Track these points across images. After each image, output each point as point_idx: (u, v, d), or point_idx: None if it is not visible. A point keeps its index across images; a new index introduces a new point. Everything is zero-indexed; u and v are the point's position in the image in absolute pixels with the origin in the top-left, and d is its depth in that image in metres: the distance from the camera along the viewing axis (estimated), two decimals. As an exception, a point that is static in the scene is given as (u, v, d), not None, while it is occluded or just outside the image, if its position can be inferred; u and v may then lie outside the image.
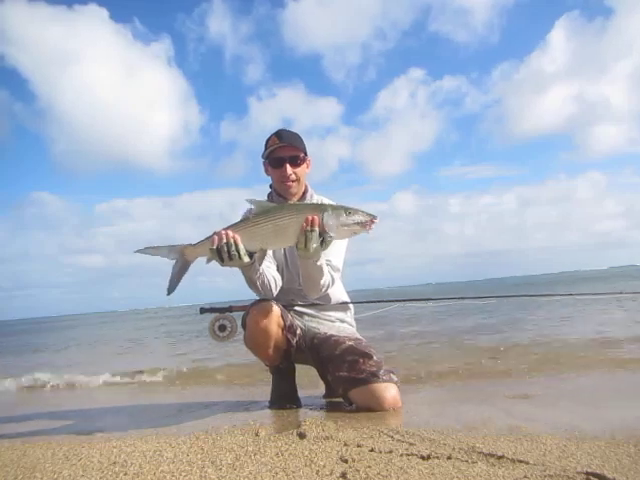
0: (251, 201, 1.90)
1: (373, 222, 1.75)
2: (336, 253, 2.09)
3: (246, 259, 1.76)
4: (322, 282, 1.96)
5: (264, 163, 2.22)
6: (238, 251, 1.73)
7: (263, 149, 2.21)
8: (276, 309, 2.01)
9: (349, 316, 2.34)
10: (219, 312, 2.21)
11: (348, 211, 1.74)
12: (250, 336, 2.05)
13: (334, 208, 1.76)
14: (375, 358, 2.06)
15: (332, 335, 2.18)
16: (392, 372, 2.07)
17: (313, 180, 2.33)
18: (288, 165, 2.12)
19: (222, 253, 1.73)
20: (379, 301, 2.53)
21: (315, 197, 2.24)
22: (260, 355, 2.12)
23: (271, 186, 2.28)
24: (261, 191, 2.29)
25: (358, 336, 2.24)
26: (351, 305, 2.35)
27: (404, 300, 2.62)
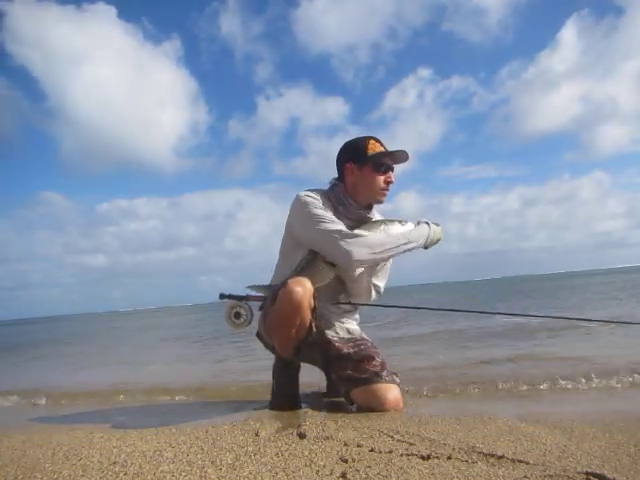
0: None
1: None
2: (382, 277, 2.33)
3: None
4: (373, 298, 2.29)
5: (353, 165, 2.16)
6: None
7: (350, 152, 2.18)
8: (310, 286, 1.95)
9: (356, 313, 2.35)
10: (237, 299, 2.18)
11: (401, 222, 2.13)
12: (280, 309, 1.94)
13: (390, 221, 2.14)
14: (379, 359, 2.07)
15: (340, 336, 2.19)
16: (395, 374, 2.08)
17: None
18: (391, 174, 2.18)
19: None
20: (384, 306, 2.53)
21: (375, 211, 2.29)
22: (281, 335, 2.01)
23: (336, 185, 2.21)
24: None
25: (364, 336, 2.26)
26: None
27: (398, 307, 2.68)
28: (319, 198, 2.13)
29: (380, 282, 2.31)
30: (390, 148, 2.20)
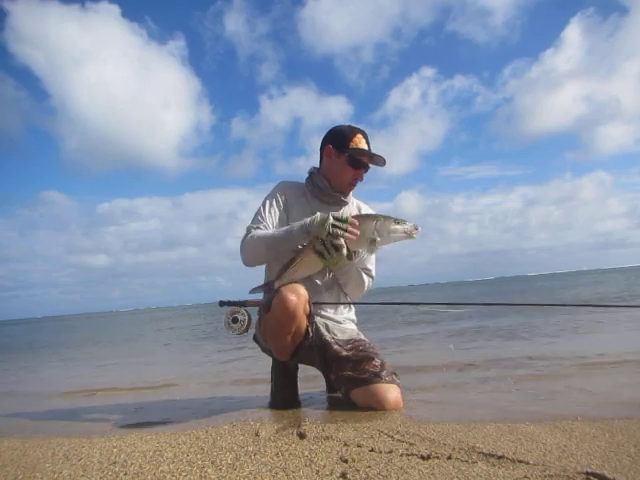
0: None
1: (416, 230, 2.03)
2: (373, 263, 2.33)
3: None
4: (366, 284, 2.27)
5: (333, 150, 2.22)
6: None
7: (334, 137, 2.24)
8: (305, 293, 1.96)
9: (353, 314, 2.36)
10: (236, 305, 2.19)
11: (397, 221, 2.01)
12: (275, 317, 1.95)
13: (385, 218, 2.02)
14: (378, 359, 2.06)
15: (338, 337, 2.19)
16: (395, 374, 2.07)
17: None
18: (363, 172, 2.25)
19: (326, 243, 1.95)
20: (383, 303, 2.54)
21: (354, 199, 2.39)
22: (277, 342, 2.02)
23: (313, 173, 2.30)
24: (265, 190, 2.30)
25: (362, 337, 2.25)
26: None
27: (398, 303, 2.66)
28: (287, 189, 2.27)
29: (370, 265, 2.32)
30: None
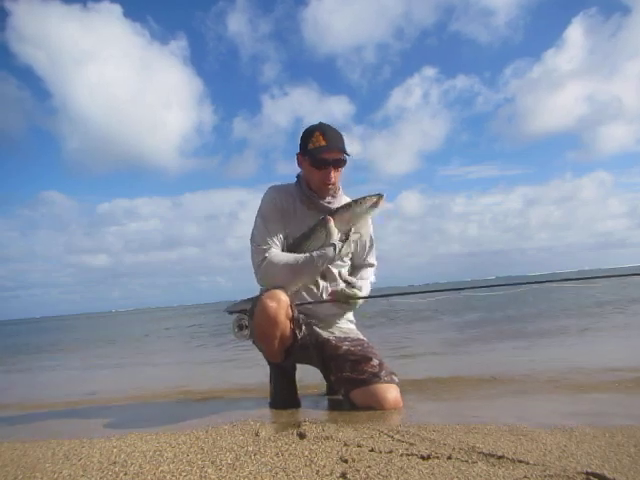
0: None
1: (382, 199, 2.08)
2: (374, 255, 2.40)
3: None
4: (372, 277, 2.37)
5: (300, 156, 2.18)
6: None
7: (300, 141, 2.17)
8: (285, 298, 1.97)
9: (351, 314, 2.35)
10: (238, 313, 2.18)
11: (358, 201, 2.09)
12: (258, 324, 1.98)
13: (346, 205, 2.12)
14: (377, 359, 2.06)
15: (335, 335, 2.18)
16: (394, 373, 2.08)
17: None
18: (332, 169, 2.14)
19: None
20: (376, 296, 2.52)
21: (343, 197, 2.28)
22: (265, 347, 2.05)
23: (300, 177, 2.25)
24: (263, 191, 2.27)
25: (360, 336, 2.25)
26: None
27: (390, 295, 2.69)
28: (279, 195, 2.19)
29: (370, 258, 2.37)
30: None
